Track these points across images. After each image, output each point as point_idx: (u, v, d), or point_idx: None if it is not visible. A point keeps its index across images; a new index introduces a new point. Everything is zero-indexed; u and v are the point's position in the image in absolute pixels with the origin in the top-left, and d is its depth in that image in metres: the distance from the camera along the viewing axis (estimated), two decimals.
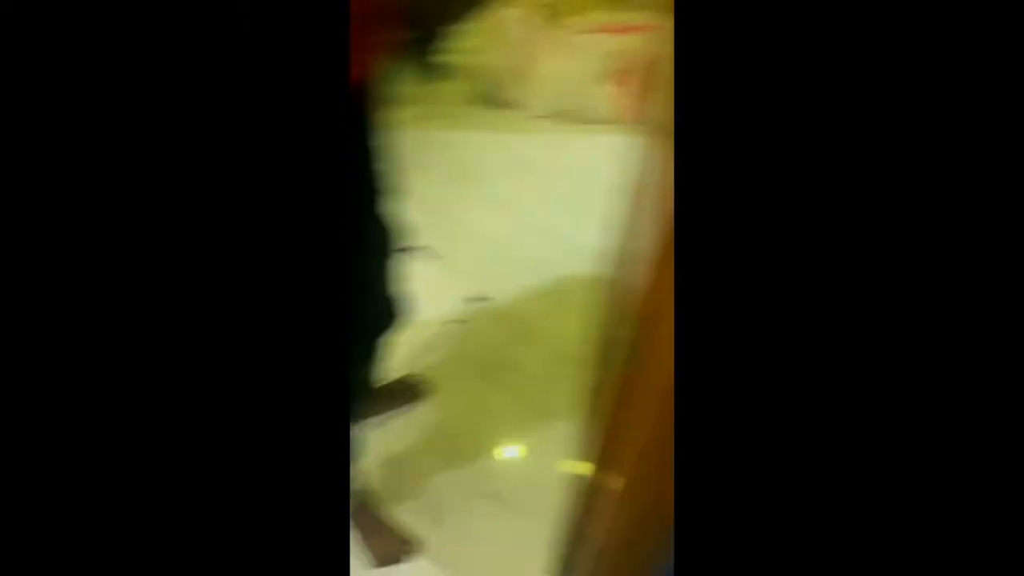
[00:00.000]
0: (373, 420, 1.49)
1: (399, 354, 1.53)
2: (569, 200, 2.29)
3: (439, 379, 1.69)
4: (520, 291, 1.96)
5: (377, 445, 1.49)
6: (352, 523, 1.29)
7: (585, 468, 0.92)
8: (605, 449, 0.77)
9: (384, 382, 1.45)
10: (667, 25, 0.62)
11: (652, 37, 1.59)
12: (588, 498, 0.87)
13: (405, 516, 1.38)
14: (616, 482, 0.69)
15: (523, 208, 2.31)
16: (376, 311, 0.89)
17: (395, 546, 1.33)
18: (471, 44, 2.61)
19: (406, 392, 1.60)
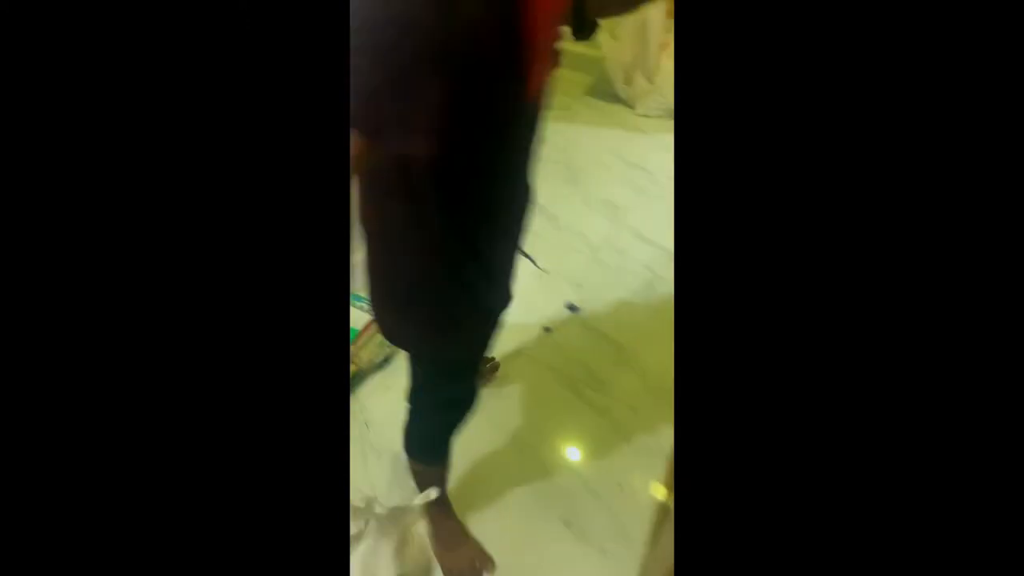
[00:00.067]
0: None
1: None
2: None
3: (523, 385, 1.64)
4: (616, 307, 1.88)
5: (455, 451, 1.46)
6: (428, 532, 1.25)
7: (668, 497, 0.86)
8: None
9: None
10: None
11: None
12: (667, 528, 0.81)
13: (477, 529, 1.35)
14: None
15: (628, 215, 2.22)
16: (498, 293, 0.90)
17: (470, 562, 1.27)
18: (601, 37, 2.51)
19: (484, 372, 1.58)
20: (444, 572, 1.25)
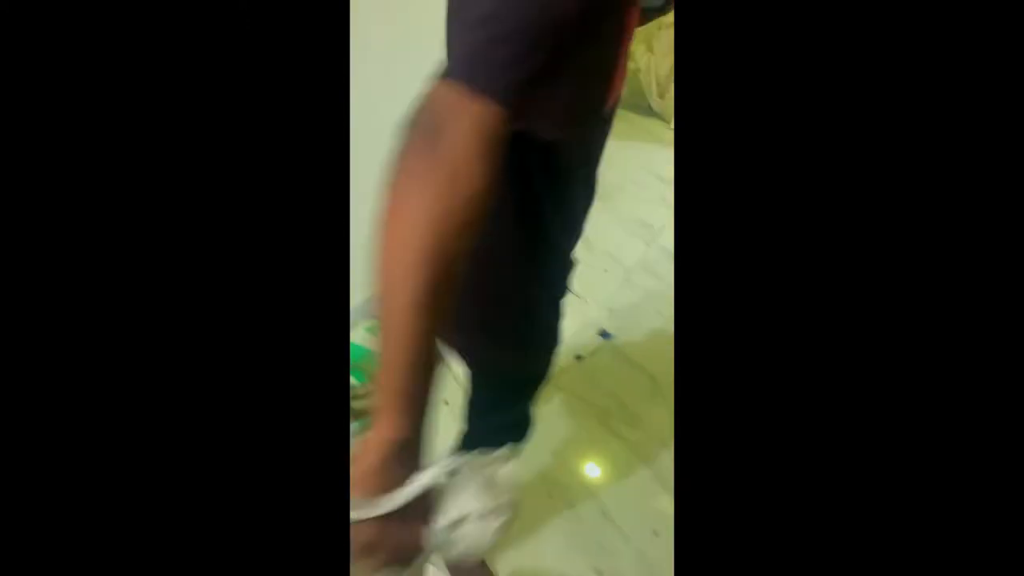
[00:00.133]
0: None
1: None
2: None
3: (552, 418, 1.55)
4: (650, 335, 1.78)
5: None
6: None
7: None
8: None
9: None
10: None
11: None
12: None
13: (500, 564, 1.27)
14: None
15: (663, 235, 2.12)
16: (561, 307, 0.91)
17: None
18: (636, 49, 2.43)
19: None
20: None
